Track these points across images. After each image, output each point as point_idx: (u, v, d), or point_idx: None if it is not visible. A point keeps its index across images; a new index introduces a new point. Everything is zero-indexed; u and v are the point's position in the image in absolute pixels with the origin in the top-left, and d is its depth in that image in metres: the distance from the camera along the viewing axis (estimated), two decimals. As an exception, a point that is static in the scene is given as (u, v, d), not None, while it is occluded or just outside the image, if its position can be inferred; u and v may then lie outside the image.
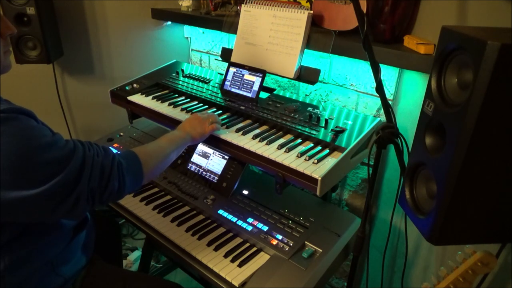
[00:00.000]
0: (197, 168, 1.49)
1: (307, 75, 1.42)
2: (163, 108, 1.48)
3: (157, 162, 1.09)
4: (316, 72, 1.40)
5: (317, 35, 1.39)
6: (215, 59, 1.97)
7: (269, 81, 1.74)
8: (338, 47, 1.33)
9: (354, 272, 1.30)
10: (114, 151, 1.04)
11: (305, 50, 1.42)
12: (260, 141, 1.22)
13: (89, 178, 0.88)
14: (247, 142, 1.23)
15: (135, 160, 1.01)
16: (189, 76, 1.73)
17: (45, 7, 1.81)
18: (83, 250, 1.12)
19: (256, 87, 1.46)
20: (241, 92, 1.50)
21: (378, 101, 1.44)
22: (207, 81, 1.67)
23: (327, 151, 1.18)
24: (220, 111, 1.45)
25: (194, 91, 1.59)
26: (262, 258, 1.15)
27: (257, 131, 1.30)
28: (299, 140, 1.24)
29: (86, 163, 0.88)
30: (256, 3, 1.52)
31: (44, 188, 0.81)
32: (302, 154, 1.14)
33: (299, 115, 1.34)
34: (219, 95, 1.54)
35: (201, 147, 1.51)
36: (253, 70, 1.48)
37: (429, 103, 0.83)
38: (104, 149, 0.95)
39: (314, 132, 1.25)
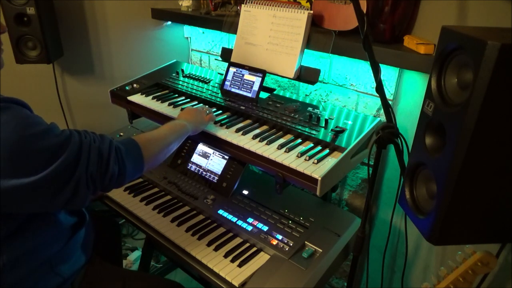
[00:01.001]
0: (197, 168, 1.49)
1: (307, 75, 1.42)
2: (163, 108, 1.48)
3: (158, 148, 1.09)
4: (316, 72, 1.40)
5: (317, 35, 1.39)
6: (215, 59, 1.97)
7: (269, 81, 1.74)
8: (338, 47, 1.33)
9: (354, 272, 1.30)
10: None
11: (305, 50, 1.42)
12: (260, 141, 1.22)
13: (87, 163, 0.88)
14: (247, 142, 1.23)
15: (134, 145, 1.02)
16: (189, 76, 1.73)
17: (45, 7, 1.81)
18: (82, 249, 1.12)
19: (256, 87, 1.46)
20: (241, 92, 1.50)
21: (378, 101, 1.44)
22: (207, 81, 1.67)
23: (327, 151, 1.18)
24: (220, 111, 1.46)
25: (194, 91, 1.59)
26: (262, 258, 1.15)
27: (257, 131, 1.30)
28: (299, 140, 1.24)
29: (83, 148, 0.89)
30: (256, 3, 1.52)
31: (42, 175, 0.82)
32: (302, 154, 1.14)
33: (299, 115, 1.34)
34: (219, 95, 1.54)
35: (201, 147, 1.51)
36: (253, 70, 1.48)
37: (429, 103, 0.83)
38: (101, 136, 0.96)
39: (314, 132, 1.25)
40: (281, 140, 1.24)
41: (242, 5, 1.56)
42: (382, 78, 1.05)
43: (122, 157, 0.96)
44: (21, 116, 0.83)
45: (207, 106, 1.46)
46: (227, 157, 1.43)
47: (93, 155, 0.90)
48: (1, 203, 0.82)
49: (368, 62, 1.04)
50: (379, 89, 1.04)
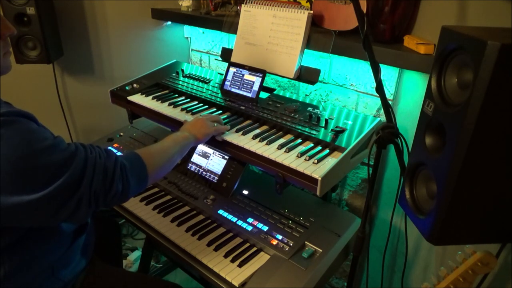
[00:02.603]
0: (197, 168, 1.49)
1: (307, 75, 1.42)
2: (163, 108, 1.48)
3: (161, 163, 1.08)
4: (316, 72, 1.40)
5: (317, 35, 1.39)
6: (215, 59, 1.97)
7: (269, 81, 1.74)
8: (338, 47, 1.33)
9: (354, 272, 1.30)
10: (115, 151, 1.03)
11: (305, 50, 1.42)
12: (260, 141, 1.22)
13: (91, 180, 0.87)
14: (247, 142, 1.23)
15: (139, 161, 1.00)
16: (189, 76, 1.73)
17: (45, 7, 1.81)
18: (82, 253, 1.11)
19: (256, 87, 1.46)
20: (241, 92, 1.50)
21: (378, 101, 1.44)
22: (207, 81, 1.67)
23: (327, 151, 1.18)
24: (220, 111, 1.45)
25: (194, 91, 1.59)
26: (262, 258, 1.15)
27: (257, 131, 1.30)
28: (299, 140, 1.24)
29: (88, 165, 0.87)
30: (256, 3, 1.52)
31: (45, 192, 0.80)
32: (302, 154, 1.14)
33: (299, 115, 1.34)
34: (219, 95, 1.54)
35: (201, 147, 1.51)
36: (253, 70, 1.48)
37: (429, 103, 0.83)
38: (107, 151, 0.94)
39: (314, 132, 1.25)
40: (281, 140, 1.24)
41: (242, 5, 1.56)
42: (382, 78, 1.05)
43: (127, 175, 0.94)
44: (26, 131, 0.80)
45: (218, 114, 1.38)
46: (227, 157, 1.43)
47: (98, 172, 0.88)
48: (1, 218, 0.80)
49: (368, 62, 1.04)
50: (379, 89, 1.04)
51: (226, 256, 1.14)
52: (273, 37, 1.48)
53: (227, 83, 1.54)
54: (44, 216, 0.84)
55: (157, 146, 1.13)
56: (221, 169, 1.43)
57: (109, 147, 1.06)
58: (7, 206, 0.78)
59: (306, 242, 1.17)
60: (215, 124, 1.28)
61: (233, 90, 1.52)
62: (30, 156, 0.79)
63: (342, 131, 1.24)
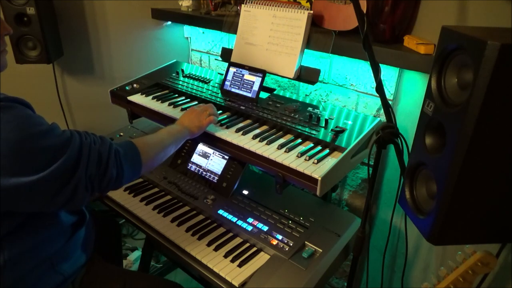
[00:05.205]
0: (197, 168, 1.49)
1: (307, 75, 1.42)
2: (163, 108, 1.48)
3: (155, 152, 1.11)
4: (316, 72, 1.40)
5: (317, 35, 1.39)
6: (215, 59, 1.97)
7: (269, 81, 1.74)
8: (338, 47, 1.33)
9: (354, 272, 1.30)
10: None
11: (305, 50, 1.42)
12: (260, 141, 1.22)
13: (87, 165, 0.89)
14: (247, 142, 1.23)
15: (133, 149, 1.03)
16: (189, 76, 1.73)
17: (45, 7, 1.81)
18: (82, 248, 1.12)
19: (256, 87, 1.46)
20: (241, 92, 1.50)
21: (378, 101, 1.44)
22: (207, 81, 1.67)
23: (327, 151, 1.18)
24: (220, 111, 1.45)
25: (194, 91, 1.59)
26: (262, 258, 1.15)
27: (257, 131, 1.30)
28: (299, 140, 1.24)
29: (83, 150, 0.89)
30: (256, 3, 1.52)
31: (43, 175, 0.82)
32: (302, 154, 1.14)
33: (299, 115, 1.34)
34: (219, 95, 1.54)
35: (201, 147, 1.51)
36: (253, 70, 1.48)
37: (429, 103, 0.83)
38: (101, 138, 0.97)
39: (314, 132, 1.25)
40: (281, 140, 1.24)
41: (242, 5, 1.56)
42: (382, 78, 1.05)
43: (121, 161, 0.97)
44: (23, 115, 0.83)
45: (211, 104, 1.37)
46: (227, 157, 1.43)
47: (93, 157, 0.91)
48: (0, 201, 0.82)
49: (368, 62, 1.04)
50: (379, 89, 1.05)
51: (226, 256, 1.14)
52: (273, 37, 1.48)
53: (227, 83, 1.54)
54: (43, 199, 0.87)
55: (152, 136, 1.15)
56: (221, 169, 1.43)
57: (106, 137, 1.08)
58: (6, 187, 0.80)
59: (306, 242, 1.17)
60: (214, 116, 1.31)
61: (233, 90, 1.52)
62: (27, 139, 0.82)
63: (342, 131, 1.24)
